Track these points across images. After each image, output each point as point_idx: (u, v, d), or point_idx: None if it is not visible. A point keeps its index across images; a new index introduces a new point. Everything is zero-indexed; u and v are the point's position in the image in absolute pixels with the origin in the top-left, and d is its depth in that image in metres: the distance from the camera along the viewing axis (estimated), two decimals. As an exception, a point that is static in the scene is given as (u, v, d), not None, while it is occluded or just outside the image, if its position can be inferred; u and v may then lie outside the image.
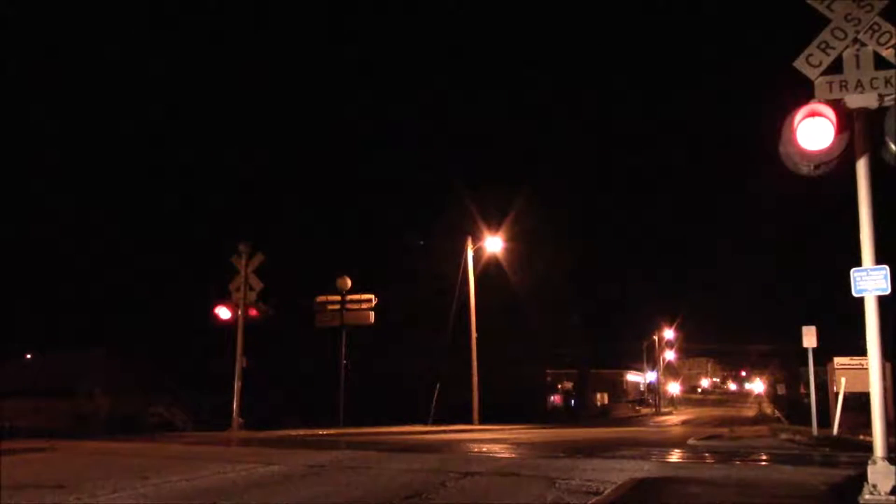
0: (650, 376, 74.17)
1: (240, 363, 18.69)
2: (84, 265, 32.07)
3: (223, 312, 19.13)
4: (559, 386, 49.32)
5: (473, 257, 28.94)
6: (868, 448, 5.71)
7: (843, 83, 5.89)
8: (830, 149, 5.69)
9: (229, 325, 19.23)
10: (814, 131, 5.71)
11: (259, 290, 19.13)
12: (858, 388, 15.52)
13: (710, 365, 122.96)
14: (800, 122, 5.75)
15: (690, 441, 16.36)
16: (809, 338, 17.11)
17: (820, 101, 5.82)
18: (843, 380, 15.99)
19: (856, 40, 5.93)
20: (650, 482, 7.21)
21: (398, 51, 61.00)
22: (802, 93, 5.97)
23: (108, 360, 26.63)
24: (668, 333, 71.76)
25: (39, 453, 10.42)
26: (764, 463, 10.36)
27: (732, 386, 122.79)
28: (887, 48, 5.86)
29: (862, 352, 6.54)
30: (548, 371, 47.77)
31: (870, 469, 5.47)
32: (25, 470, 8.32)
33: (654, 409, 65.04)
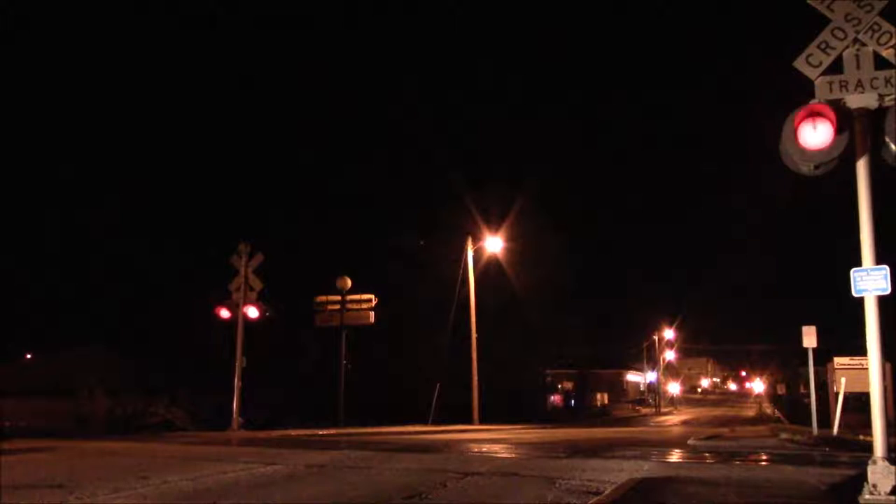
0: (650, 376, 74.18)
1: (240, 363, 18.70)
2: (84, 265, 32.12)
3: (223, 312, 19.15)
4: (559, 386, 49.33)
5: (473, 257, 28.92)
6: (868, 448, 5.71)
7: (843, 83, 5.90)
8: (830, 149, 5.69)
9: (229, 325, 19.24)
10: (814, 131, 5.71)
11: (259, 290, 19.16)
12: (858, 388, 15.52)
13: (710, 365, 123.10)
14: (800, 121, 5.74)
15: (690, 441, 16.34)
16: (809, 338, 17.10)
17: (820, 101, 5.82)
18: (843, 380, 15.98)
19: (856, 40, 5.93)
20: (650, 482, 7.21)
21: (399, 51, 61.07)
22: (802, 93, 5.97)
23: (108, 359, 26.65)
24: (668, 333, 71.80)
25: (39, 453, 10.40)
26: (764, 463, 10.36)
27: (732, 386, 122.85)
28: (887, 48, 5.86)
29: (862, 352, 6.54)
30: (548, 371, 47.77)
31: (870, 469, 5.47)
32: (25, 470, 8.31)
33: (654, 409, 65.01)
